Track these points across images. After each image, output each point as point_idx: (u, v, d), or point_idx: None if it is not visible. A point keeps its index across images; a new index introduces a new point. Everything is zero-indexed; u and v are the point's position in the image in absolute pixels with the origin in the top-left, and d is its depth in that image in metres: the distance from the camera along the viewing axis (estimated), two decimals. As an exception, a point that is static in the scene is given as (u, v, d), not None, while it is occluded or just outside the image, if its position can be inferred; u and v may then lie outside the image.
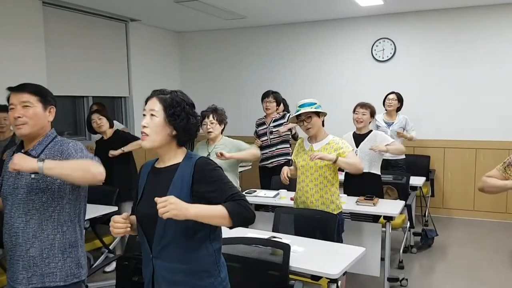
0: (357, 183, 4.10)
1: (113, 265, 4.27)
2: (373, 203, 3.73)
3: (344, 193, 3.94)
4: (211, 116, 3.61)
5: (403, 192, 4.44)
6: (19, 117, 2.00)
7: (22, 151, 2.08)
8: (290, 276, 2.43)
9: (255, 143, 5.00)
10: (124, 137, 4.45)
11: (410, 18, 6.20)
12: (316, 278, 2.41)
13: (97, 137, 4.69)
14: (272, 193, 4.13)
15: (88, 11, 5.75)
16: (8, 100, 2.07)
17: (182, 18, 6.39)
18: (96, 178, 1.96)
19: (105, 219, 3.57)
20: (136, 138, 4.44)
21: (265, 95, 5.07)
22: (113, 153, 4.28)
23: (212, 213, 1.68)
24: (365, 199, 3.79)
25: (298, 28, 6.83)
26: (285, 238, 2.74)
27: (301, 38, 6.85)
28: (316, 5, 5.73)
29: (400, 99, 5.44)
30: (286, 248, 2.35)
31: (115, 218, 1.78)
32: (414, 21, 6.20)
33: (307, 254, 2.58)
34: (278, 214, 3.22)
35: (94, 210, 3.55)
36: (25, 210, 2.02)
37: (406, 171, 4.85)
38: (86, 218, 2.88)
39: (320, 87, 6.70)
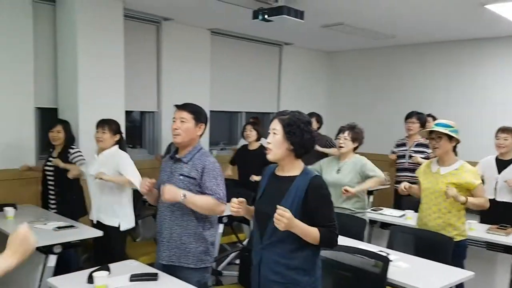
0: (494, 212, 3.89)
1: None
2: (506, 233, 3.54)
3: (481, 220, 3.83)
4: (346, 132, 3.75)
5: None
6: (176, 129, 2.62)
7: (177, 156, 2.68)
8: (390, 288, 2.58)
9: (390, 157, 5.08)
10: (264, 156, 4.95)
11: None
12: (415, 293, 2.51)
13: (241, 142, 5.43)
14: (399, 213, 4.20)
15: (247, 37, 6.54)
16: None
17: (330, 40, 6.73)
18: (218, 215, 2.76)
19: (241, 218, 4.11)
20: None
21: (409, 116, 5.03)
22: (255, 178, 4.56)
23: (309, 234, 2.04)
24: (497, 228, 3.63)
25: (450, 46, 6.57)
26: (393, 254, 2.88)
27: (454, 58, 6.55)
28: (472, 24, 5.45)
29: None
30: (384, 260, 2.52)
31: (234, 199, 2.21)
32: None
33: (411, 271, 2.70)
34: (394, 232, 3.34)
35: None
36: (172, 202, 2.59)
37: None
38: (224, 215, 3.47)
39: (474, 109, 6.28)
